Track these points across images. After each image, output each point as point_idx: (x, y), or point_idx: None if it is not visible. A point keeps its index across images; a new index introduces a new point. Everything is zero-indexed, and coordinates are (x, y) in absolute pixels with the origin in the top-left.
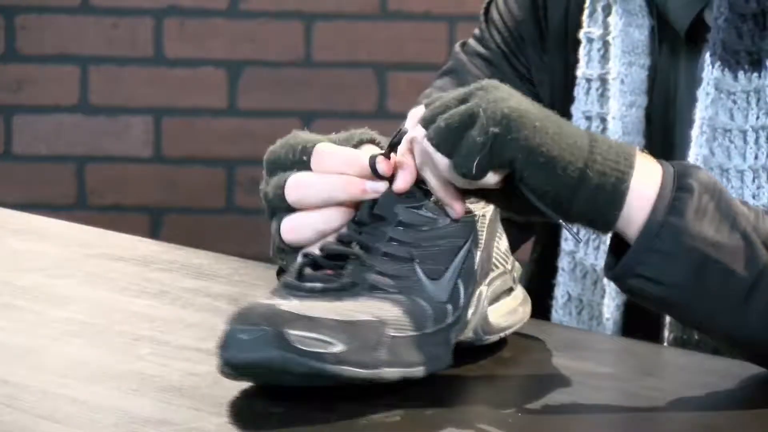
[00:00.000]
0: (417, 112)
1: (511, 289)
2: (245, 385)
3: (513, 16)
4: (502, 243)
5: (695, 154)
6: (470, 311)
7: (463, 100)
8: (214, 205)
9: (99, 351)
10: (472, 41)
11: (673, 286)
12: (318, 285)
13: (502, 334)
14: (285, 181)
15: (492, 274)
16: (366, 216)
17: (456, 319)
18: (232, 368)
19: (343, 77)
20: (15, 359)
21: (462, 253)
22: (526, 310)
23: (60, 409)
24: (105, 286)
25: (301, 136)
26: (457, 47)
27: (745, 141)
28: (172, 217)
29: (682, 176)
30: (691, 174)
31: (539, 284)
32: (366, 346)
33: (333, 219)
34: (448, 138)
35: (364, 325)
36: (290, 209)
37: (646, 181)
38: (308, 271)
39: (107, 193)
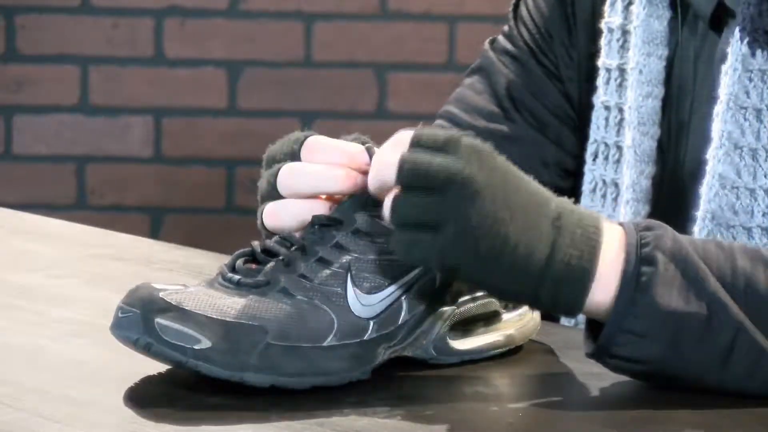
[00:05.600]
0: (401, 139)
1: (496, 313)
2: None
3: (542, 13)
4: None
5: (720, 130)
6: (421, 330)
7: (436, 188)
8: (214, 205)
9: (99, 351)
10: (501, 38)
11: (650, 362)
12: (235, 277)
13: (466, 357)
14: (278, 170)
15: (465, 297)
16: (325, 218)
17: (386, 335)
18: (117, 339)
19: (343, 77)
20: (15, 359)
21: (416, 272)
22: (510, 335)
23: (60, 409)
24: (105, 286)
25: (299, 133)
26: (486, 44)
27: (759, 119)
28: (172, 217)
29: (645, 246)
30: (655, 243)
31: None
32: (235, 347)
33: (316, 209)
34: (402, 223)
35: (240, 327)
36: (280, 197)
37: (609, 258)
38: (239, 263)
39: (107, 193)
